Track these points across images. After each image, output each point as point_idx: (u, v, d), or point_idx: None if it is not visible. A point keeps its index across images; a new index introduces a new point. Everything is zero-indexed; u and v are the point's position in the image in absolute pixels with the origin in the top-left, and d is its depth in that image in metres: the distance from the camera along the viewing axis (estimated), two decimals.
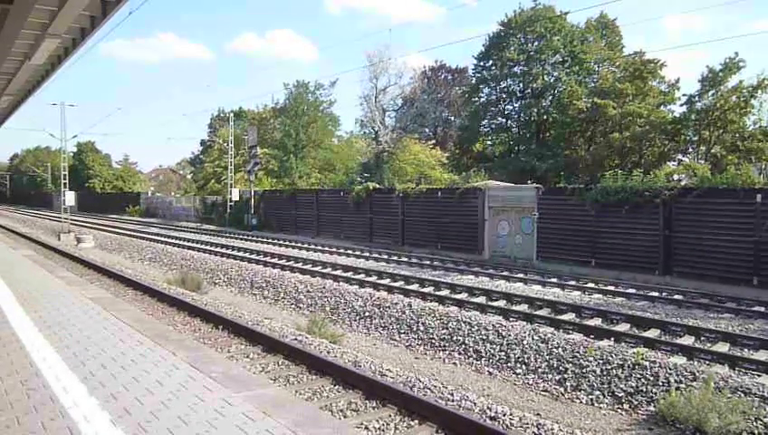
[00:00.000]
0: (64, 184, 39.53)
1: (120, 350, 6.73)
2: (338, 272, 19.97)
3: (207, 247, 28.10)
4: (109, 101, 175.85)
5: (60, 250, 25.96)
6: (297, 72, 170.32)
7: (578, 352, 10.44)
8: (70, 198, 38.43)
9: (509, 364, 10.87)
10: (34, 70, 16.41)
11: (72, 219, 39.31)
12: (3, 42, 12.14)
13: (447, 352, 11.89)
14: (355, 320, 14.48)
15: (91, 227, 41.37)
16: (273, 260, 23.17)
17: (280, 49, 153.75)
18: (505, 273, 19.81)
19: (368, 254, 25.48)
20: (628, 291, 16.58)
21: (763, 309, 14.16)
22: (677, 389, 8.73)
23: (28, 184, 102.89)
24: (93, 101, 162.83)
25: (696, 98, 33.23)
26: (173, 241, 31.10)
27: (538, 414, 8.45)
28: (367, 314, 14.51)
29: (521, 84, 42.72)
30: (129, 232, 37.44)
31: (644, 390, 9.10)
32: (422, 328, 13.02)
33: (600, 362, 9.98)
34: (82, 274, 18.51)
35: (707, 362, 10.04)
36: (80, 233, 34.76)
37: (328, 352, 10.06)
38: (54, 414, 4.74)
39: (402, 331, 13.25)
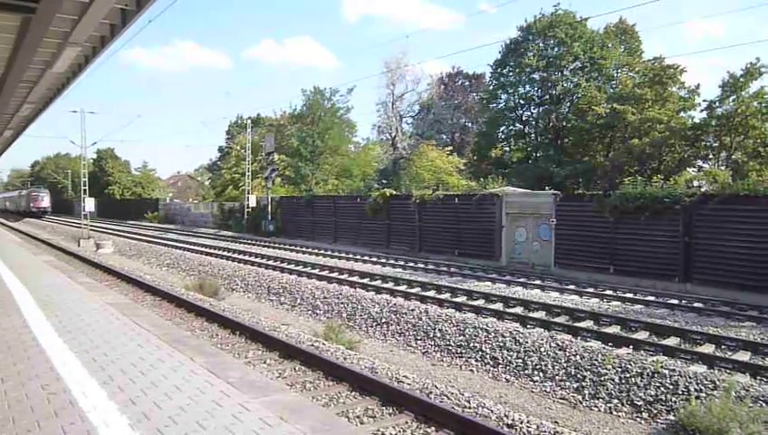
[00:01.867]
0: (84, 190, 39.96)
1: (139, 355, 6.78)
2: (355, 278, 19.97)
3: (225, 253, 28.26)
4: (129, 108, 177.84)
5: (79, 256, 26.25)
6: (315, 79, 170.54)
7: (596, 359, 10.36)
8: (89, 204, 38.86)
9: (526, 371, 10.81)
10: (56, 78, 16.62)
11: (91, 225, 39.74)
12: (25, 50, 12.31)
13: (464, 359, 11.85)
14: (372, 326, 14.48)
15: (111, 233, 41.82)
16: (290, 266, 23.24)
17: (298, 56, 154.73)
18: (522, 279, 19.70)
19: (384, 260, 25.47)
20: (647, 298, 16.41)
21: None
22: (697, 398, 8.63)
23: (49, 190, 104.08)
24: (113, 109, 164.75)
25: (717, 103, 32.87)
26: (191, 247, 31.31)
27: (556, 422, 8.39)
28: (383, 320, 14.50)
29: (539, 90, 42.52)
30: (147, 238, 37.78)
31: (663, 398, 9.00)
32: (439, 335, 12.99)
33: (619, 370, 9.89)
34: (102, 279, 18.70)
35: (728, 371, 9.89)
36: (99, 239, 35.14)
37: (344, 359, 10.07)
38: (74, 418, 4.79)
39: (419, 337, 13.23)
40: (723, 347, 11.57)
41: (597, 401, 9.44)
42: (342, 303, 16.20)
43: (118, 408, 5.02)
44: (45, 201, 71.96)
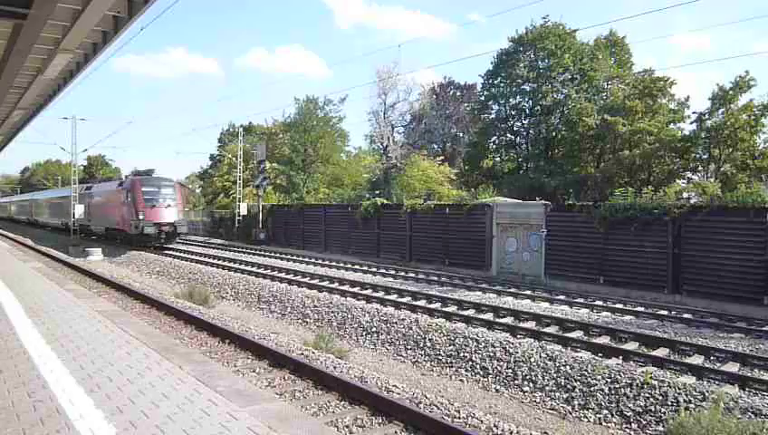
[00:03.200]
0: (74, 197, 39.76)
1: (127, 363, 6.74)
2: (345, 287, 19.92)
3: (215, 261, 28.13)
4: (120, 115, 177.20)
5: (68, 263, 26.06)
6: (306, 88, 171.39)
7: (586, 370, 10.38)
8: (79, 211, 38.65)
9: (516, 382, 10.81)
10: (47, 84, 16.61)
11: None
12: (16, 56, 12.29)
13: (454, 369, 11.84)
14: (362, 335, 14.45)
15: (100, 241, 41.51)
16: (280, 275, 23.17)
17: (289, 64, 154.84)
18: (513, 289, 19.72)
19: (375, 269, 25.44)
20: (636, 309, 16.46)
21: None
22: (687, 409, 8.65)
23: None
24: (105, 115, 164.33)
25: (706, 116, 33.20)
26: (180, 255, 31.17)
27: (545, 433, 8.39)
28: (374, 329, 14.48)
29: (530, 101, 42.79)
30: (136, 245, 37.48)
31: (653, 409, 9.02)
32: (429, 344, 12.98)
33: (609, 380, 9.91)
34: (90, 286, 18.55)
35: (717, 383, 9.94)
36: (88, 246, 34.90)
37: (334, 368, 10.03)
38: (60, 426, 4.75)
39: (409, 347, 13.21)
40: (712, 358, 11.61)
41: (586, 412, 9.44)
42: (332, 312, 16.16)
43: (105, 416, 4.98)
44: (173, 209, 33.04)
